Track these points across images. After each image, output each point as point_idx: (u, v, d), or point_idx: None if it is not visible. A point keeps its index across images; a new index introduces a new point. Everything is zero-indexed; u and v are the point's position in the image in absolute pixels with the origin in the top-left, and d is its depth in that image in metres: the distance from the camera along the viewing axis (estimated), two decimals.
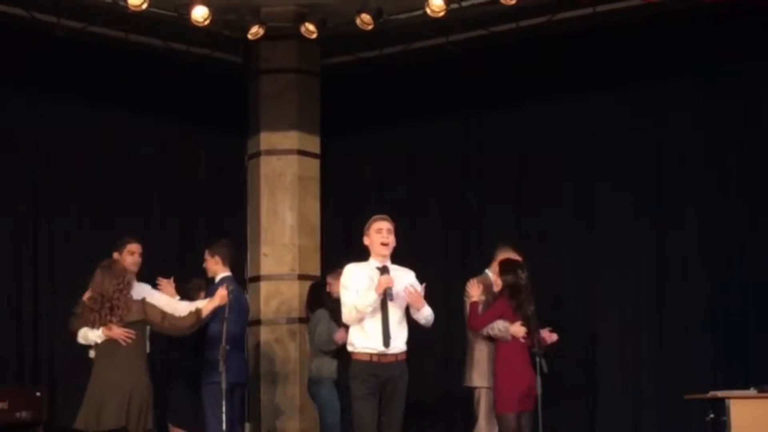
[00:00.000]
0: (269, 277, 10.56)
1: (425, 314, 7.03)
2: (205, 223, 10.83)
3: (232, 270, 8.67)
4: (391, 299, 6.90)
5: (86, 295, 7.64)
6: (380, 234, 7.00)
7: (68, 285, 9.72)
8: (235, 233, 10.82)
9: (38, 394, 8.95)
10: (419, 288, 7.10)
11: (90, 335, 7.51)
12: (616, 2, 9.53)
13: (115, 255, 8.23)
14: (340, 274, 9.40)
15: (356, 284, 6.98)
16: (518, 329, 8.07)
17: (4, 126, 9.67)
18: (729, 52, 9.24)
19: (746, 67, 9.23)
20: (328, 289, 9.44)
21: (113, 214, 10.01)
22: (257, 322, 10.53)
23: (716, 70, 9.39)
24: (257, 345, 10.52)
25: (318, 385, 9.17)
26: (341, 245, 10.71)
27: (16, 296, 9.62)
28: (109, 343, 7.44)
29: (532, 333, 8.02)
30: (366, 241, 7.07)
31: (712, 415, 7.85)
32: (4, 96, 9.65)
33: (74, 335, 7.66)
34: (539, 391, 7.80)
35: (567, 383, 9.24)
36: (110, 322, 7.44)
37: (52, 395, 9.18)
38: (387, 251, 7.03)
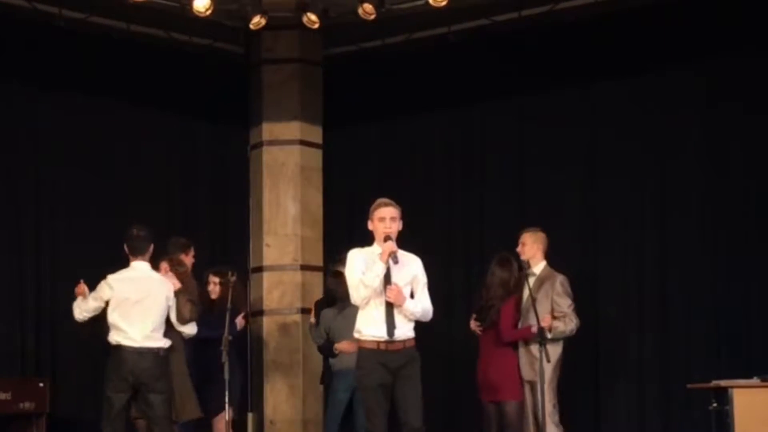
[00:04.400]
0: (272, 268, 10.57)
1: (412, 310, 6.80)
2: (207, 213, 10.84)
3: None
4: (396, 262, 6.71)
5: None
6: (383, 223, 6.82)
7: (71, 277, 9.71)
8: (237, 223, 10.85)
9: (41, 384, 8.97)
10: (423, 279, 6.96)
11: None
12: None
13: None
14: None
15: (360, 266, 6.79)
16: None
17: (5, 117, 9.66)
18: (734, 43, 9.20)
19: (751, 57, 9.20)
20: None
21: (115, 206, 10.02)
22: (260, 313, 10.55)
23: (721, 60, 9.35)
24: (260, 335, 10.54)
25: None
26: (343, 235, 10.72)
27: (19, 288, 9.63)
28: None
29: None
30: (370, 226, 6.89)
31: (714, 404, 7.84)
32: (4, 87, 9.64)
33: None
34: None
35: (570, 374, 9.20)
36: None
37: (55, 386, 9.18)
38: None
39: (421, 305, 6.90)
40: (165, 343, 7.90)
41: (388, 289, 6.71)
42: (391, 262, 6.73)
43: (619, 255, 9.69)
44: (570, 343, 8.48)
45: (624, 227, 9.71)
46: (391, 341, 6.74)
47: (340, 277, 9.24)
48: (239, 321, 8.71)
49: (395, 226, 6.85)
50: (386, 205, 6.90)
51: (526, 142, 10.28)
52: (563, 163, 10.02)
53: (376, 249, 6.86)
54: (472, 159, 10.56)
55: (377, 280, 6.70)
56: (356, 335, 6.90)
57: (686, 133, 9.51)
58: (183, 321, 8.09)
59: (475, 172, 10.53)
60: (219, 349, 8.16)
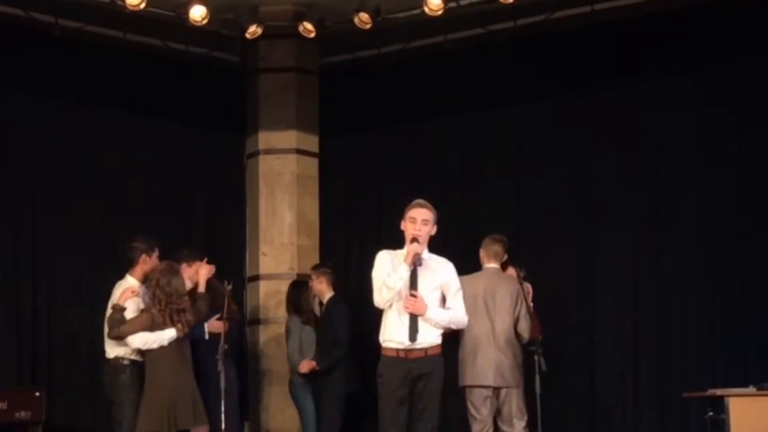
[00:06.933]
0: (268, 277, 10.56)
1: (436, 320, 6.60)
2: (203, 222, 10.83)
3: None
4: (419, 265, 6.57)
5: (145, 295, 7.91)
6: (414, 224, 6.68)
7: (67, 285, 9.75)
8: (234, 232, 10.85)
9: (37, 394, 8.92)
10: (455, 285, 6.78)
11: (165, 335, 7.75)
12: (614, 0, 9.54)
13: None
14: (324, 273, 9.56)
15: (387, 268, 6.63)
16: None
17: (2, 126, 9.66)
18: (729, 52, 9.24)
19: (746, 67, 9.22)
20: (311, 285, 9.51)
21: (112, 214, 10.03)
22: (256, 321, 10.55)
23: (716, 69, 9.38)
24: (256, 344, 10.53)
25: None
26: (340, 244, 10.73)
27: (15, 296, 9.60)
28: (172, 344, 7.76)
29: None
30: (402, 226, 6.75)
31: (711, 413, 7.85)
32: (1, 96, 9.64)
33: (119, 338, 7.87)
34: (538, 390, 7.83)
35: (566, 381, 9.24)
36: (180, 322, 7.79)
37: (51, 395, 9.16)
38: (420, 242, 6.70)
39: (449, 314, 6.71)
40: (117, 353, 7.92)
41: (406, 300, 6.53)
42: (417, 266, 6.59)
43: (615, 261, 9.70)
44: (565, 348, 8.48)
45: (620, 233, 9.71)
46: (410, 349, 6.53)
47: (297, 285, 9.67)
48: (216, 323, 8.58)
49: (426, 229, 6.71)
50: (420, 206, 6.78)
51: (523, 150, 10.30)
52: (560, 170, 10.03)
53: (404, 251, 6.69)
54: (469, 167, 10.57)
55: (400, 283, 6.53)
56: (380, 339, 6.72)
57: (682, 140, 9.54)
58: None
59: (472, 180, 10.54)
60: (215, 356, 8.14)
